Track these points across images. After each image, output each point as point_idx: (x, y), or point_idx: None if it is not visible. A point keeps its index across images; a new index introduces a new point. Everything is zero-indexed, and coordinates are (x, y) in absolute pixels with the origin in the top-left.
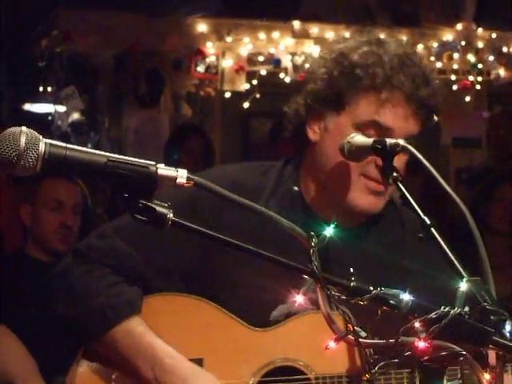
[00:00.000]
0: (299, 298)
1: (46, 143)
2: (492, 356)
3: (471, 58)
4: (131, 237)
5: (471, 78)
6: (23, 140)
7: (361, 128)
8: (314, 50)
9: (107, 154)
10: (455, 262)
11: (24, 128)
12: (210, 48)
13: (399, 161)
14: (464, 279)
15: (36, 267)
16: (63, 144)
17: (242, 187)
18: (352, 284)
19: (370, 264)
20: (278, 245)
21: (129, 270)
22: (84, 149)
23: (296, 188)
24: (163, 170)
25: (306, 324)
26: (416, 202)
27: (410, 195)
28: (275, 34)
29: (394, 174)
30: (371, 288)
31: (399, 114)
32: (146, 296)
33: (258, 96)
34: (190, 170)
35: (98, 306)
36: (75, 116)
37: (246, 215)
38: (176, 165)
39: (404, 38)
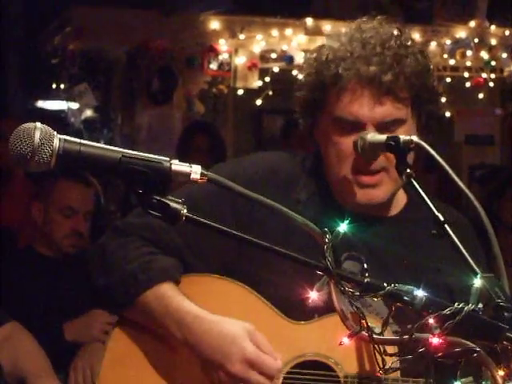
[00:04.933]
0: (313, 295)
1: (60, 139)
2: None
3: (484, 55)
4: None
5: (484, 75)
6: (37, 136)
7: (336, 125)
8: None
9: (121, 149)
10: (468, 258)
11: (38, 124)
12: (223, 45)
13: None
14: (478, 276)
15: (44, 264)
16: (77, 140)
17: (279, 174)
18: (366, 280)
19: (397, 260)
20: (305, 241)
21: (166, 245)
22: (98, 145)
23: (324, 183)
24: (177, 165)
25: (340, 323)
26: (430, 199)
27: (424, 192)
28: (288, 31)
29: (408, 171)
30: (385, 284)
31: (362, 102)
32: (187, 274)
33: (270, 93)
34: (199, 163)
35: (131, 272)
36: (88, 113)
37: (261, 210)
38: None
39: (417, 35)
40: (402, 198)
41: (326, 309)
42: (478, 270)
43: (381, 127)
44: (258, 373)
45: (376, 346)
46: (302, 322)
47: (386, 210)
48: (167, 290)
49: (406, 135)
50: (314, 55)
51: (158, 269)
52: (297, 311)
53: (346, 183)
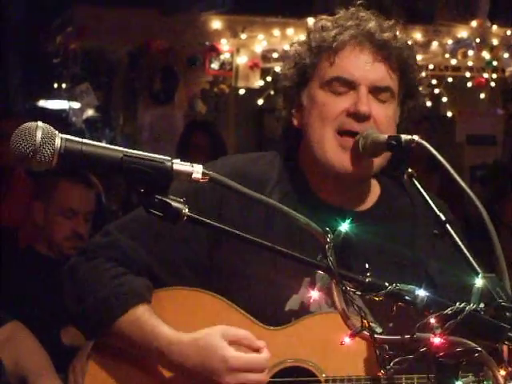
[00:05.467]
0: (314, 294)
1: (62, 138)
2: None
3: (486, 55)
4: (136, 232)
5: (486, 75)
6: (39, 135)
7: (326, 88)
8: None
9: (123, 149)
10: (470, 258)
11: (40, 123)
12: (225, 45)
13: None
14: (479, 276)
15: (45, 264)
16: (79, 139)
17: (247, 177)
18: (367, 280)
19: (380, 254)
20: (287, 237)
21: (134, 263)
22: (100, 144)
23: (299, 176)
24: (179, 165)
25: (318, 324)
26: (432, 199)
27: (426, 192)
28: (289, 31)
29: (409, 170)
30: (386, 284)
31: (357, 63)
32: (157, 290)
33: (272, 93)
34: (199, 162)
35: (104, 298)
36: (90, 112)
37: (253, 209)
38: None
39: (419, 35)
40: (375, 190)
41: (302, 312)
42: (479, 269)
43: (373, 91)
44: (249, 373)
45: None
46: (278, 328)
47: (361, 203)
48: (141, 313)
49: (394, 118)
50: (308, 31)
51: (130, 292)
52: (273, 316)
53: (330, 147)
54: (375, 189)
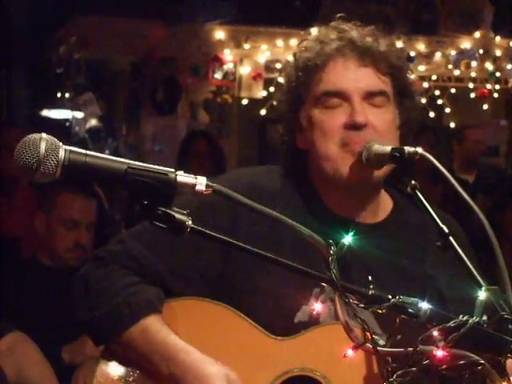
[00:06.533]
0: (317, 306)
1: (65, 150)
2: (510, 365)
3: (489, 66)
4: (149, 241)
5: (489, 86)
6: (43, 147)
7: (320, 105)
8: None
9: (127, 160)
10: (473, 271)
11: (44, 135)
12: (228, 55)
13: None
14: (482, 288)
15: (48, 274)
16: (83, 151)
17: (259, 190)
18: (370, 292)
19: (389, 268)
20: (295, 250)
21: (147, 272)
22: (104, 156)
23: (310, 189)
24: (182, 177)
25: (326, 335)
26: (435, 211)
27: (429, 204)
28: (293, 41)
29: (413, 182)
30: (389, 296)
31: (344, 73)
32: (167, 300)
33: (275, 103)
34: (198, 174)
35: (116, 306)
36: (93, 122)
37: (262, 221)
38: (188, 170)
39: (422, 45)
40: (388, 203)
41: (312, 322)
42: (482, 282)
43: (366, 98)
44: None
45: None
46: (286, 338)
47: (374, 216)
48: (152, 323)
49: (394, 121)
50: (293, 54)
51: (142, 302)
52: (282, 327)
53: (336, 160)
54: (387, 202)
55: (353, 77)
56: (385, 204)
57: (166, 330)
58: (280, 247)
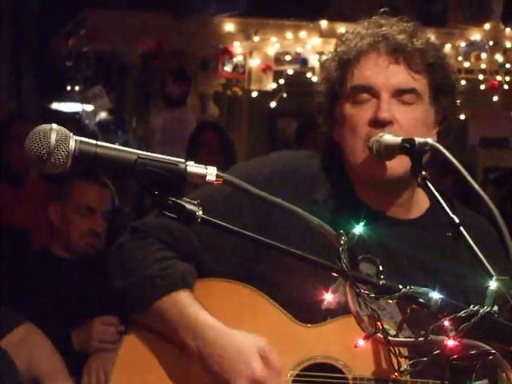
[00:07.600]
0: (328, 297)
1: (76, 140)
2: None
3: (499, 57)
4: None
5: (499, 77)
6: (53, 137)
7: (351, 100)
8: None
9: (137, 151)
10: (484, 261)
11: (54, 125)
12: (238, 47)
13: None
14: (493, 278)
15: (60, 266)
16: (93, 141)
17: (297, 174)
18: (381, 282)
19: (417, 265)
20: (304, 240)
21: (184, 248)
22: (114, 146)
23: (345, 180)
24: (193, 167)
25: (351, 325)
26: (450, 202)
27: (441, 195)
28: (302, 34)
29: (423, 173)
30: (400, 286)
31: (374, 69)
32: (198, 279)
33: (284, 95)
34: (207, 164)
35: (150, 276)
36: (102, 115)
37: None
38: (197, 161)
39: (431, 37)
40: (423, 202)
41: (340, 311)
42: (493, 272)
43: (396, 95)
44: None
45: (391, 348)
46: (313, 325)
47: (407, 212)
48: (184, 297)
49: (424, 119)
50: (335, 44)
51: (176, 275)
52: (310, 314)
53: (359, 156)
54: (423, 200)
55: (383, 73)
56: (420, 202)
57: (198, 306)
58: (295, 235)
